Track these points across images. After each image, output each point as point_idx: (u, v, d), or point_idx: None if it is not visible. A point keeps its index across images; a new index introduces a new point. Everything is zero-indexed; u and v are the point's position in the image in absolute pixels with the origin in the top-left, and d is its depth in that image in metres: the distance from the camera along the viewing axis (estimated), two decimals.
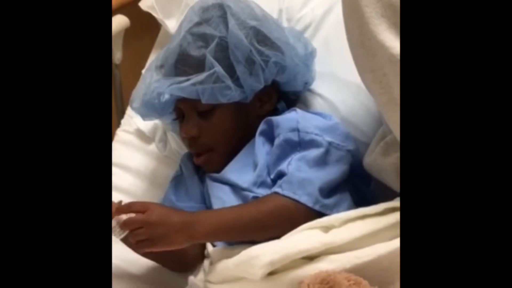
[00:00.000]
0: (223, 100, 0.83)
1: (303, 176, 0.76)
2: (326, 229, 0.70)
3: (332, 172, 0.78)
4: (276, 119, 0.83)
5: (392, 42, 0.62)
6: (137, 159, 1.02)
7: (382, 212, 0.70)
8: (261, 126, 0.84)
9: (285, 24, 1.00)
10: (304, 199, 0.74)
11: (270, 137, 0.83)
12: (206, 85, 0.82)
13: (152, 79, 0.88)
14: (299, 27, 0.99)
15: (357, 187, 0.84)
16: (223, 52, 0.83)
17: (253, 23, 0.85)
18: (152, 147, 1.03)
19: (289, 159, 0.79)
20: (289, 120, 0.82)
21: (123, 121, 1.07)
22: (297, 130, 0.80)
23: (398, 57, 0.62)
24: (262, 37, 0.85)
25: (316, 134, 0.80)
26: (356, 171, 0.83)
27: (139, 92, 0.90)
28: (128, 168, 1.01)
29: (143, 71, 1.06)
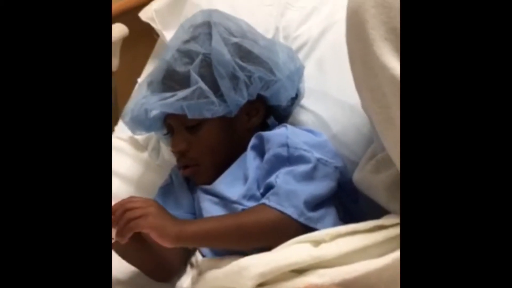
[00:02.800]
0: (208, 115, 0.85)
1: (290, 188, 0.78)
2: (316, 243, 0.72)
3: (318, 187, 0.80)
4: (266, 134, 0.85)
5: (394, 63, 0.65)
6: (127, 164, 1.03)
7: (371, 229, 0.72)
8: (253, 141, 0.86)
9: (282, 41, 1.03)
10: (290, 211, 0.76)
11: (260, 151, 0.85)
12: (191, 101, 0.84)
13: (141, 95, 0.90)
14: (295, 45, 1.02)
15: (344, 204, 0.86)
16: (208, 68, 0.86)
17: (235, 39, 0.88)
18: (145, 155, 1.04)
19: (277, 172, 0.81)
20: (279, 136, 0.84)
21: (116, 128, 1.08)
22: (286, 145, 0.82)
23: (399, 78, 0.64)
24: (244, 53, 0.87)
25: (305, 150, 0.82)
26: (344, 188, 0.85)
27: (129, 107, 0.93)
28: (117, 172, 1.02)
29: (139, 79, 1.08)
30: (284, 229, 0.75)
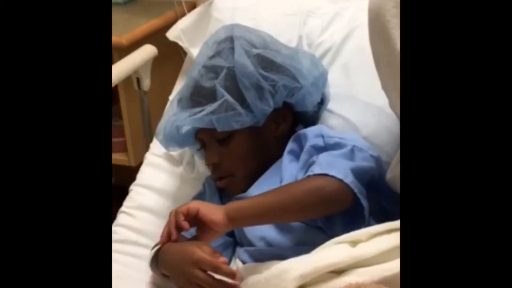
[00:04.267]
0: (236, 126, 0.87)
1: (331, 160, 0.80)
2: (354, 243, 0.73)
3: (359, 162, 0.81)
4: (303, 131, 0.88)
5: None
6: (163, 179, 1.05)
7: None
8: (289, 145, 0.89)
9: (306, 49, 1.05)
10: (334, 172, 0.76)
11: (298, 155, 0.87)
12: (219, 114, 0.86)
13: (171, 113, 0.94)
14: (319, 51, 1.04)
15: (382, 206, 0.86)
16: (233, 81, 0.88)
17: (257, 51, 0.90)
18: (181, 169, 1.07)
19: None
20: (314, 130, 0.88)
21: (152, 145, 1.12)
22: (321, 136, 0.85)
23: None
24: (267, 63, 0.90)
25: (340, 138, 0.85)
26: (380, 188, 0.86)
27: (161, 126, 0.96)
28: (153, 187, 1.05)
29: (170, 97, 1.12)
30: (331, 192, 0.76)
